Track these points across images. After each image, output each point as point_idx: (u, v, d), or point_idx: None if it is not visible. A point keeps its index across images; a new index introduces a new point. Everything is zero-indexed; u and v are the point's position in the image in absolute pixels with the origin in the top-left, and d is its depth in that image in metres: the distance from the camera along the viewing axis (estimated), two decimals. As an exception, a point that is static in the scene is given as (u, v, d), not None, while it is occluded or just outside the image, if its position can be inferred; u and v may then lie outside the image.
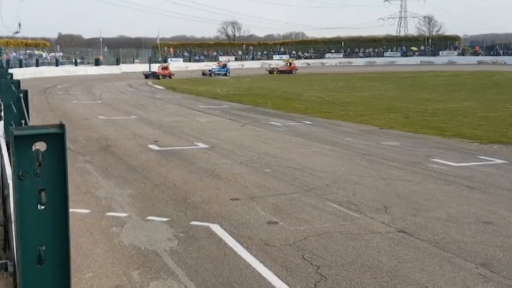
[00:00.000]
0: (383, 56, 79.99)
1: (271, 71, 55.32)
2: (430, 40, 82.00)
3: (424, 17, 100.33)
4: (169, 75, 46.08)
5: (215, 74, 50.82)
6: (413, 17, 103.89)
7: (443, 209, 7.37)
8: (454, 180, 8.99)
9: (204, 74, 51.15)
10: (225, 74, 51.09)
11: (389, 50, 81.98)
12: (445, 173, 9.53)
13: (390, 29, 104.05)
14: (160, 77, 44.76)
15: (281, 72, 54.56)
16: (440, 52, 77.48)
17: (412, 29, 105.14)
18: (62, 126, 3.26)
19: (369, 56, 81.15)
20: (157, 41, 74.38)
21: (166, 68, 47.89)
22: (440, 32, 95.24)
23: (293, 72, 55.21)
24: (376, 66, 68.53)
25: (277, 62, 76.72)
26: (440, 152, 11.55)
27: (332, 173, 9.53)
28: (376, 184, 8.74)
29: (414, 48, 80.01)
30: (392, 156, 11.09)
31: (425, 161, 10.64)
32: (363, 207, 7.43)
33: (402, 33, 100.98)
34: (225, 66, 53.17)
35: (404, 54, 79.21)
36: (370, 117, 17.78)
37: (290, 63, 59.15)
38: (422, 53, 78.78)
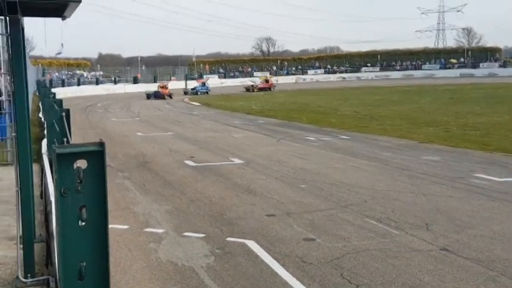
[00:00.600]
0: (421, 69, 78.80)
1: (248, 89, 52.92)
2: (469, 52, 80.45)
3: (463, 29, 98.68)
4: (169, 95, 43.55)
5: (200, 92, 49.07)
6: (452, 29, 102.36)
7: (487, 225, 7.15)
8: (497, 196, 8.73)
9: (185, 92, 48.80)
10: (206, 92, 49.42)
11: (428, 63, 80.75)
12: (488, 189, 9.27)
13: (428, 42, 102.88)
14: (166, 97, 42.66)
15: (260, 89, 52.82)
16: (481, 64, 75.82)
17: (450, 41, 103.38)
18: (101, 144, 3.31)
19: (407, 69, 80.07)
20: (193, 59, 75.32)
21: (165, 88, 45.25)
22: (480, 44, 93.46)
23: (271, 89, 53.58)
24: (414, 79, 67.57)
25: (313, 76, 76.72)
26: (482, 167, 11.25)
27: (370, 189, 9.39)
28: (416, 200, 8.56)
29: (453, 61, 78.58)
30: (432, 171, 10.86)
31: (467, 176, 10.38)
32: (403, 223, 7.27)
33: (440, 46, 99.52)
34: (204, 84, 51.98)
35: (443, 67, 77.83)
36: (408, 131, 17.50)
37: (267, 80, 57.12)
38: (462, 65, 77.23)
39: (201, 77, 70.86)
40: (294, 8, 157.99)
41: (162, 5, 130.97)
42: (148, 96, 43.09)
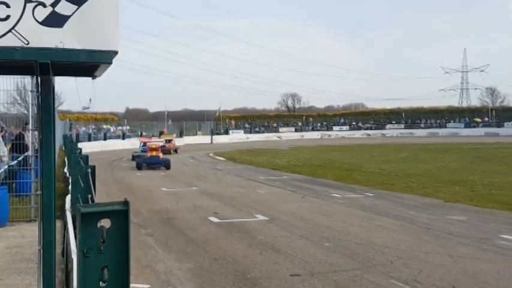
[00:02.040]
0: (446, 127, 78.43)
1: (134, 157, 33.39)
2: (493, 111, 79.95)
3: (487, 88, 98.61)
4: (175, 150, 39.02)
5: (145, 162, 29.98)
6: (476, 89, 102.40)
7: (518, 290, 6.87)
8: (528, 259, 8.43)
9: (133, 157, 34.19)
10: (159, 164, 30.68)
11: (452, 121, 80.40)
12: (517, 251, 8.97)
13: (452, 100, 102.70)
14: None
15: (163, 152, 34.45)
16: (505, 123, 75.13)
17: (474, 99, 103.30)
18: (126, 203, 3.32)
19: (431, 127, 79.78)
20: (218, 113, 76.23)
21: (156, 150, 28.91)
22: (504, 103, 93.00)
23: (177, 152, 41.92)
24: (439, 138, 67.15)
25: (338, 132, 76.87)
26: (509, 228, 10.93)
27: (396, 249, 9.17)
28: (442, 261, 8.31)
29: (478, 120, 78.10)
30: (458, 232, 10.58)
31: (494, 237, 10.08)
32: (430, 286, 7.04)
33: (465, 104, 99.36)
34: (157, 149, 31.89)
35: (468, 126, 77.33)
36: (434, 189, 17.22)
37: (169, 140, 42.81)
38: (487, 125, 76.66)
39: (226, 132, 71.36)
40: (320, 66, 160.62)
41: (189, 61, 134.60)
42: (137, 161, 29.02)
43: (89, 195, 5.77)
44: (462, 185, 18.40)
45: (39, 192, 4.09)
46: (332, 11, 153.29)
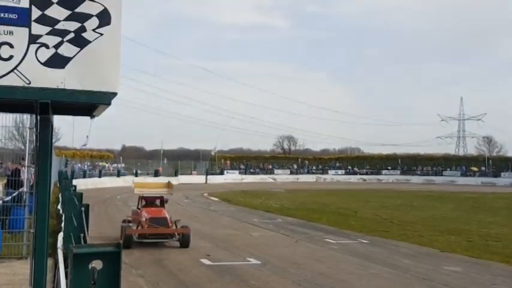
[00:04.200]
0: (442, 175, 78.52)
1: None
2: (490, 161, 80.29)
3: (484, 137, 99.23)
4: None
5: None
6: (472, 137, 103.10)
7: None
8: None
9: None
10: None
11: (449, 169, 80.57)
12: (514, 305, 8.85)
13: (448, 148, 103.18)
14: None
15: None
16: (502, 173, 75.30)
17: (471, 148, 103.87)
18: (118, 245, 3.29)
19: (427, 174, 79.90)
20: (213, 153, 76.27)
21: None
22: (501, 153, 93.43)
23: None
24: (435, 185, 67.12)
25: (333, 176, 76.84)
26: (504, 280, 10.84)
27: (390, 299, 9.04)
28: (437, 313, 8.19)
29: (474, 169, 78.31)
30: (454, 283, 10.46)
31: (490, 289, 9.98)
32: None
33: (461, 153, 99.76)
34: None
35: (464, 174, 77.44)
36: (430, 238, 17.11)
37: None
38: (483, 174, 76.81)
39: (221, 172, 71.37)
40: (316, 109, 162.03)
41: (187, 101, 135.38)
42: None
43: (82, 234, 5.73)
44: (458, 234, 18.30)
45: (32, 230, 4.07)
46: (330, 55, 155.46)
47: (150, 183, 22.35)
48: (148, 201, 16.28)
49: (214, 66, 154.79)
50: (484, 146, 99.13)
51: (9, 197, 11.36)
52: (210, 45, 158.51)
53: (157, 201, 16.38)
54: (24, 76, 3.56)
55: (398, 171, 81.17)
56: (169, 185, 17.71)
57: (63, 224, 7.55)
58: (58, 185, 27.17)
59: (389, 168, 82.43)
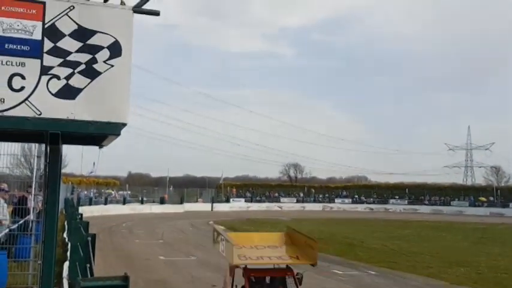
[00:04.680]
0: (450, 205, 77.80)
1: None
2: (498, 191, 79.59)
3: (492, 167, 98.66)
4: None
5: None
6: (480, 167, 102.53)
7: None
8: None
9: None
10: None
11: (457, 199, 79.86)
12: None
13: (456, 177, 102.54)
14: None
15: None
16: (511, 204, 74.54)
17: (479, 178, 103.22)
18: (126, 278, 3.24)
19: (435, 204, 79.18)
20: (221, 181, 76.27)
21: None
22: (509, 183, 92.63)
23: None
24: (443, 215, 66.44)
25: (340, 205, 76.38)
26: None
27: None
28: None
29: (483, 199, 77.57)
30: (465, 317, 10.25)
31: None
32: None
33: (469, 182, 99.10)
34: None
35: (473, 204, 76.69)
36: (438, 270, 16.84)
37: None
38: (492, 204, 76.04)
39: (227, 200, 71.16)
40: (322, 137, 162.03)
41: (193, 128, 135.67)
42: None
43: (88, 265, 5.67)
44: (467, 266, 18.02)
45: (39, 261, 4.03)
46: (337, 83, 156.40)
47: (261, 237, 9.25)
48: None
49: (221, 93, 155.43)
50: (492, 175, 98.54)
51: (16, 225, 11.32)
52: (217, 72, 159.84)
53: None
54: (35, 107, 3.58)
55: (406, 201, 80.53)
56: (309, 244, 7.63)
57: (69, 253, 7.50)
58: (64, 212, 27.13)
59: (397, 197, 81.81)
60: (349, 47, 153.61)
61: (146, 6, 4.06)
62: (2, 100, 3.49)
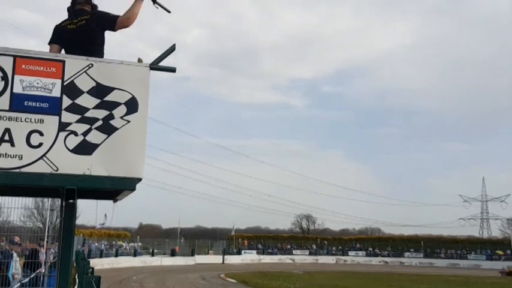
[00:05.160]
0: (467, 259, 76.05)
1: None
2: (516, 245, 77.75)
3: (508, 219, 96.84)
4: None
5: None
6: (496, 219, 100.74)
7: None
8: None
9: None
10: None
11: (473, 252, 78.11)
12: None
13: (472, 230, 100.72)
14: None
15: None
16: (528, 257, 72.68)
17: (495, 230, 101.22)
18: None
19: (452, 257, 77.42)
20: (232, 233, 75.56)
21: None
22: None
23: None
24: (460, 269, 64.86)
25: (354, 258, 74.99)
26: None
27: None
28: None
29: (500, 252, 75.77)
30: None
31: None
32: None
33: (485, 235, 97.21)
34: None
35: (490, 258, 74.96)
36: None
37: None
38: (509, 257, 74.24)
39: (239, 252, 70.26)
40: (335, 188, 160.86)
41: (204, 179, 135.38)
42: None
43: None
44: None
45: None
46: (348, 134, 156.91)
47: None
48: None
49: (232, 143, 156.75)
50: (508, 228, 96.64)
51: (27, 279, 11.22)
52: (227, 123, 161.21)
53: None
54: (52, 163, 3.60)
55: (421, 254, 78.92)
56: None
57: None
58: (75, 264, 26.88)
59: (412, 250, 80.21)
60: (359, 99, 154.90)
61: (162, 63, 4.14)
62: (20, 157, 3.52)
